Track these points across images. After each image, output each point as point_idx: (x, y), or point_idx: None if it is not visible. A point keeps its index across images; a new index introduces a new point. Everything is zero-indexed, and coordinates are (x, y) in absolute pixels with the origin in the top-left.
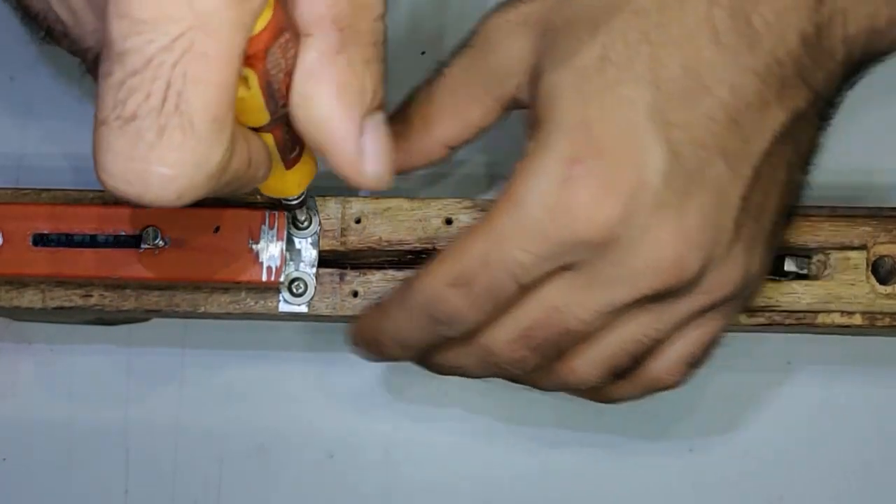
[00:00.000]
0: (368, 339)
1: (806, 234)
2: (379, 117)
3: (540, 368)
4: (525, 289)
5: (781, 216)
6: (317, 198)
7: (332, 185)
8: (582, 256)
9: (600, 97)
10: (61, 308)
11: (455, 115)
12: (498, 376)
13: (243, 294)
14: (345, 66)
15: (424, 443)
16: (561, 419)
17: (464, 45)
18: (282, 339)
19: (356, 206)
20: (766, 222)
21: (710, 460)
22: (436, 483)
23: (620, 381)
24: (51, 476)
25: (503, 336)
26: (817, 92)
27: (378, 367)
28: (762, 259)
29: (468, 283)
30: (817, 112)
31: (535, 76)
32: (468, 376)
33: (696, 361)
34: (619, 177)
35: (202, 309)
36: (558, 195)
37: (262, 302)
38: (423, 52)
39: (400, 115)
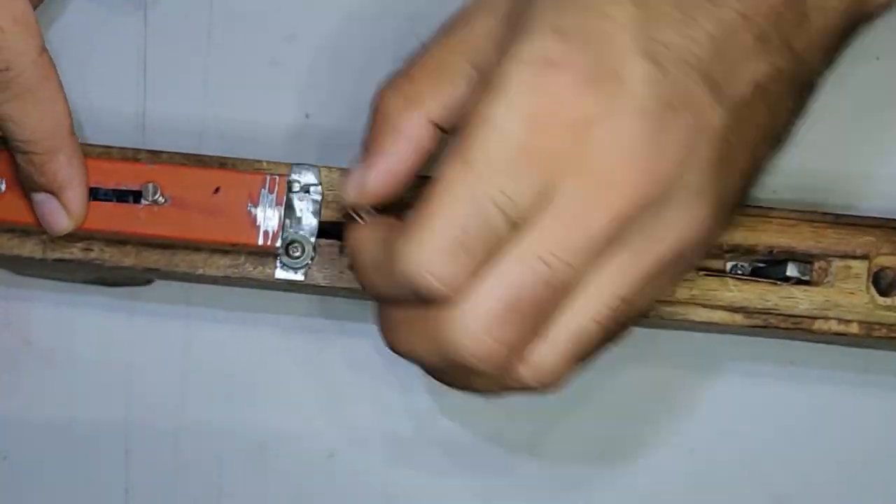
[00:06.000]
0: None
1: (808, 240)
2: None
3: (501, 361)
4: (514, 228)
5: (744, 184)
6: (322, 168)
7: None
8: (558, 176)
9: (579, 9)
10: (61, 260)
11: (436, 92)
12: (443, 373)
13: (243, 258)
14: None
15: (424, 442)
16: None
17: (444, 25)
18: (283, 339)
19: None
20: (736, 181)
21: (710, 460)
22: (436, 483)
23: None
24: (51, 476)
25: (483, 318)
26: (798, 55)
27: (379, 368)
28: (724, 220)
29: (462, 243)
30: (796, 80)
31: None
32: (419, 363)
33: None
34: (600, 77)
35: (200, 271)
36: (529, 104)
37: (261, 268)
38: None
39: (376, 113)
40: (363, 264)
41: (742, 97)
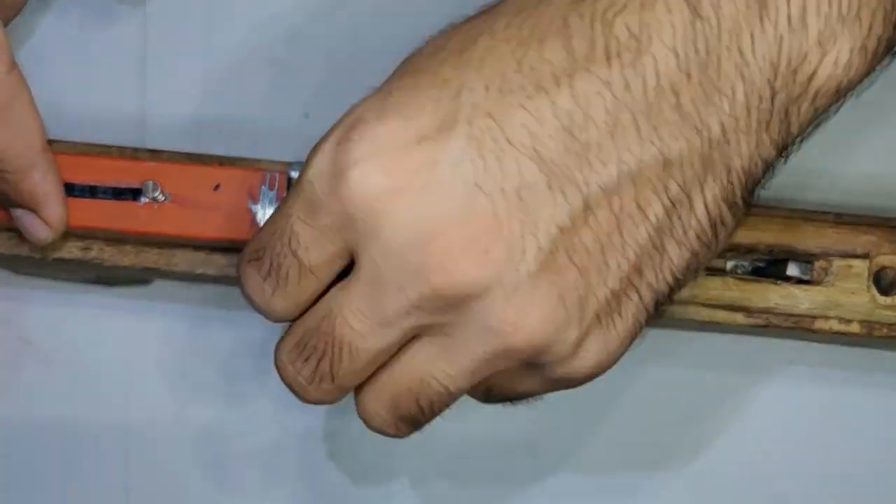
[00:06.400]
0: None
1: (809, 239)
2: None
3: (321, 395)
4: (309, 276)
5: (632, 291)
6: None
7: None
8: (356, 239)
9: (417, 74)
10: (61, 260)
11: None
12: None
13: None
14: None
15: (424, 442)
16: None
17: None
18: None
19: None
20: (599, 285)
21: (710, 460)
22: (436, 483)
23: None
24: (51, 476)
25: (286, 344)
26: (709, 139)
27: None
28: (585, 333)
29: (260, 258)
30: (714, 171)
31: None
32: None
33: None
34: (399, 147)
35: (200, 270)
36: (332, 157)
37: None
38: None
39: None
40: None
41: (602, 185)
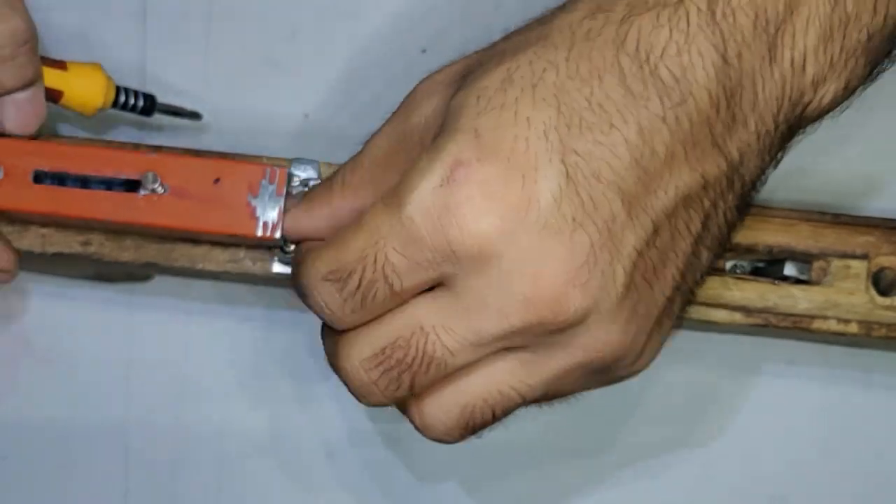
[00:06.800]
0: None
1: (808, 239)
2: (29, 91)
3: (388, 401)
4: (398, 297)
5: (678, 295)
6: (322, 163)
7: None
8: (456, 270)
9: (497, 111)
10: (60, 254)
11: (376, 186)
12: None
13: (242, 254)
14: None
15: (424, 443)
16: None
17: (396, 109)
18: (285, 335)
19: None
20: (659, 294)
21: (710, 460)
22: (435, 483)
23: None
24: (51, 476)
25: (360, 351)
26: (731, 162)
27: None
28: (648, 337)
29: (342, 279)
30: (733, 187)
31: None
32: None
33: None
34: (505, 187)
35: (200, 266)
36: (437, 198)
37: (261, 263)
38: (423, 50)
39: (327, 180)
40: (294, 260)
41: (666, 206)
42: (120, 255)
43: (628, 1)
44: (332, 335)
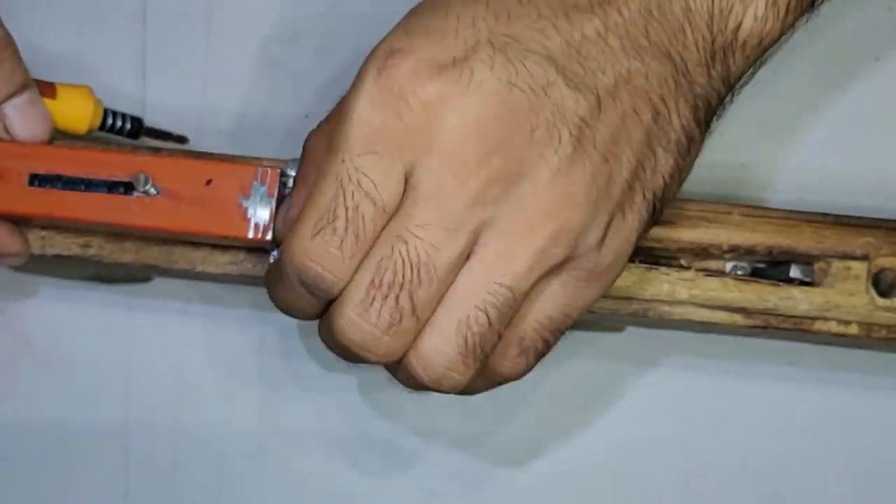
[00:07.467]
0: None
1: (808, 240)
2: (25, 95)
3: (396, 342)
4: (385, 215)
5: (637, 185)
6: None
7: None
8: (414, 156)
9: (429, 11)
10: (60, 256)
11: None
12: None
13: (242, 256)
14: None
15: (425, 444)
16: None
17: None
18: (283, 337)
19: None
20: (616, 174)
21: (710, 460)
22: (435, 483)
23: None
24: (51, 476)
25: (351, 299)
26: (674, 63)
27: (380, 371)
28: (610, 218)
29: (329, 222)
30: (682, 91)
31: None
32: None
33: (550, 337)
34: (439, 61)
35: (200, 268)
36: (378, 87)
37: (261, 266)
38: None
39: None
40: (274, 292)
41: (605, 87)
42: (120, 258)
43: None
44: (325, 316)
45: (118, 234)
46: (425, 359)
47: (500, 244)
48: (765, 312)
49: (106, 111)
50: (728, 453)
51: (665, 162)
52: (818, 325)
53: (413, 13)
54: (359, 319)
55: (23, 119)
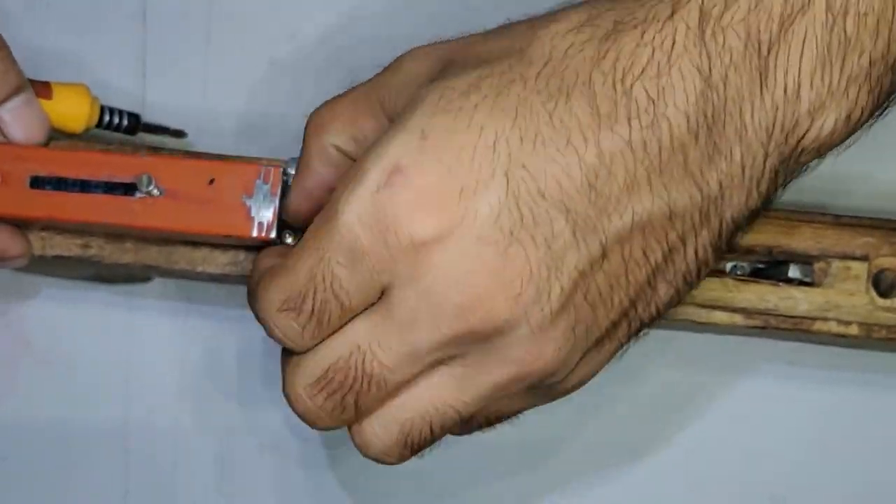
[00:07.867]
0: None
1: (808, 240)
2: (20, 97)
3: (336, 424)
4: (349, 314)
5: (624, 321)
6: None
7: None
8: (393, 280)
9: (453, 114)
10: (60, 257)
11: (349, 122)
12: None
13: (242, 256)
14: None
15: None
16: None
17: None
18: None
19: None
20: (603, 318)
21: (710, 460)
22: (433, 483)
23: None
24: (51, 476)
25: (303, 378)
26: (708, 194)
27: None
28: (583, 357)
29: (297, 305)
30: (708, 222)
31: None
32: None
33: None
34: (441, 196)
35: (200, 268)
36: (373, 204)
37: None
38: None
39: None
40: (248, 286)
41: (618, 230)
42: (120, 258)
43: (617, 16)
44: (286, 361)
45: (119, 234)
46: (364, 439)
47: (459, 375)
48: (764, 312)
49: (103, 108)
50: (728, 453)
51: (664, 293)
52: (818, 326)
53: (436, 98)
54: (305, 397)
55: (19, 122)
